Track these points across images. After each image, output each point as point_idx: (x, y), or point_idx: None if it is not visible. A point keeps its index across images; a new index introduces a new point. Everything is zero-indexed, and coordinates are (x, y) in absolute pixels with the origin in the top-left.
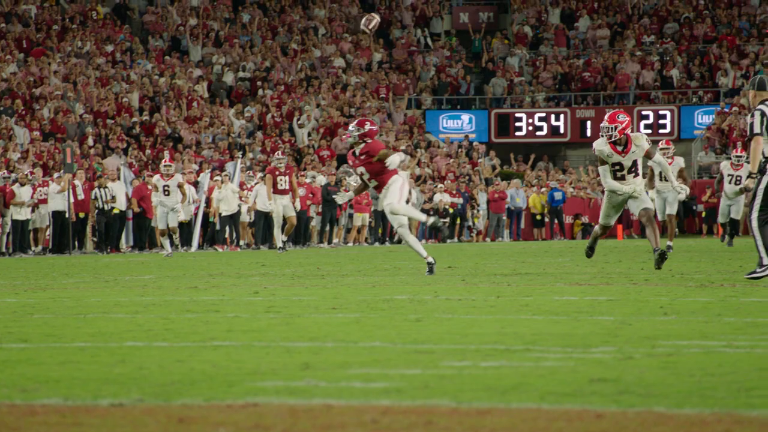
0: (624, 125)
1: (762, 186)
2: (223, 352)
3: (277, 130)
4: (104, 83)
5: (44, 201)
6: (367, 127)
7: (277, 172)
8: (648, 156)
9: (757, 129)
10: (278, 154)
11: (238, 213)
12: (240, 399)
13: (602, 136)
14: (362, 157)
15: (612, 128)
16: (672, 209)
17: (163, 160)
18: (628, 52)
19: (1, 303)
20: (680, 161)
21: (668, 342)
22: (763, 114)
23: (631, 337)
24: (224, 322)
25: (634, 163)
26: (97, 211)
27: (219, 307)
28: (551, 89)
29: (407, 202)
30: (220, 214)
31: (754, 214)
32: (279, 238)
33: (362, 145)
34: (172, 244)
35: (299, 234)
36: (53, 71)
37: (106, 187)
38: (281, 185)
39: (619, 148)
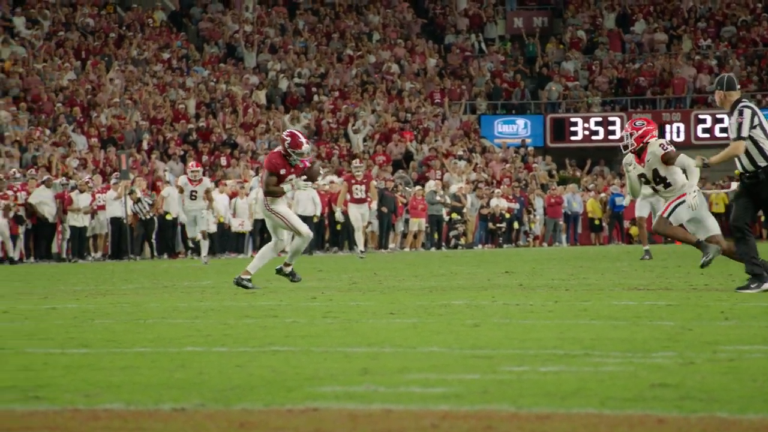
0: (641, 132)
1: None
2: (282, 357)
3: (333, 136)
4: (161, 90)
5: (102, 208)
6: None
7: (353, 181)
8: (666, 162)
9: (744, 132)
10: (356, 163)
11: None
12: (300, 404)
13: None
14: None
15: (627, 136)
16: (643, 212)
17: (190, 165)
18: (685, 55)
19: (62, 308)
20: None
21: (729, 347)
22: (754, 113)
23: (691, 342)
24: (282, 328)
25: (656, 172)
26: (138, 222)
27: (277, 312)
28: (607, 93)
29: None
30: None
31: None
32: (360, 242)
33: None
34: (197, 251)
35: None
36: (110, 79)
37: (139, 200)
38: (357, 194)
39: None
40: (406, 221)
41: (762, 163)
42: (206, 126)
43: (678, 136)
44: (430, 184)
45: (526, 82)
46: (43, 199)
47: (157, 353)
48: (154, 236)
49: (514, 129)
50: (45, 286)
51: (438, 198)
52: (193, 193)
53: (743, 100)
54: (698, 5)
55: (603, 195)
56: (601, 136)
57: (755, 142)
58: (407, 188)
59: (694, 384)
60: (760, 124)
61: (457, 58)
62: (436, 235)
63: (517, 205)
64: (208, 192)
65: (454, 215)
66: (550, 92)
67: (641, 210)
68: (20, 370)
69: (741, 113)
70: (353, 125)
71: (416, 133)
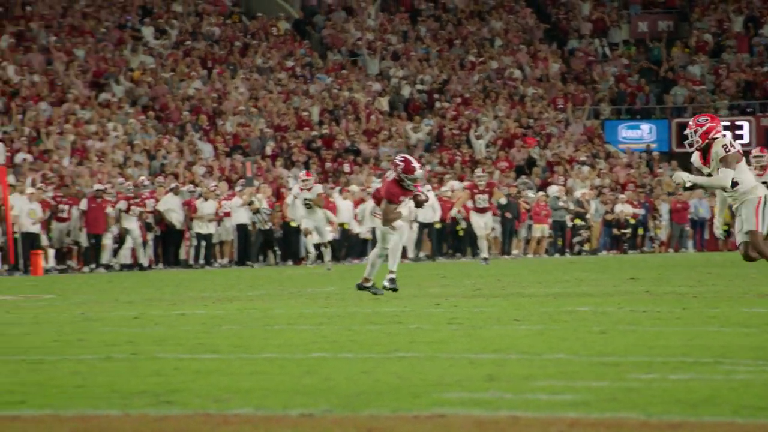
0: (706, 128)
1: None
2: (407, 364)
3: (455, 142)
4: (285, 97)
5: (228, 214)
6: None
7: (475, 190)
8: (726, 166)
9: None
10: (479, 172)
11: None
12: (426, 410)
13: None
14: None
15: (691, 133)
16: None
17: (301, 174)
18: None
19: (191, 314)
20: None
21: None
22: None
23: None
24: (407, 334)
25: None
26: (257, 231)
27: (401, 318)
28: (735, 97)
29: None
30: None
31: None
32: (484, 250)
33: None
34: (320, 257)
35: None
36: (236, 87)
37: (258, 211)
38: (480, 203)
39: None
40: (529, 227)
41: None
42: (329, 133)
43: None
44: (553, 190)
45: (650, 86)
46: (171, 207)
47: (284, 359)
48: (276, 244)
49: (639, 134)
50: (174, 293)
51: (561, 204)
52: (307, 201)
53: None
54: None
55: None
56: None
57: None
58: (530, 194)
59: None
60: None
61: (581, 63)
62: (560, 241)
63: (642, 211)
64: (318, 197)
65: (578, 221)
66: (676, 96)
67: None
68: (152, 375)
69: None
70: (475, 131)
71: (539, 138)
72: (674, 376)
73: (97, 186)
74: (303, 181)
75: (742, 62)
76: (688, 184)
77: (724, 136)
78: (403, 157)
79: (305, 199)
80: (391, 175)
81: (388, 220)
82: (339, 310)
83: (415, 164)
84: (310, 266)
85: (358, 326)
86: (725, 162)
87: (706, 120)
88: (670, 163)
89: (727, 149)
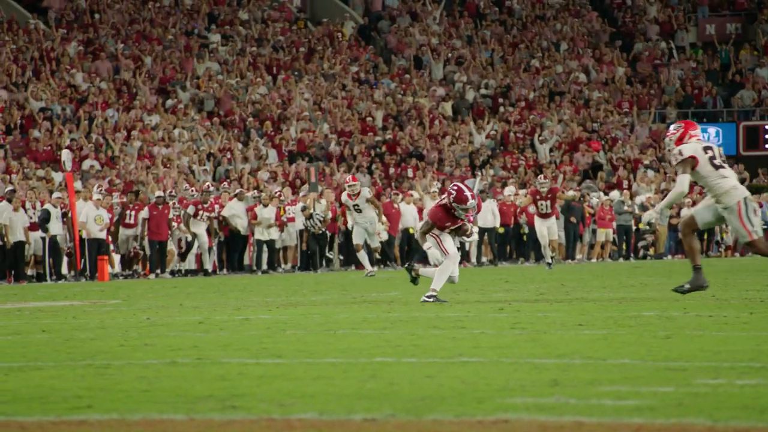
0: (678, 135)
1: None
2: (471, 369)
3: (519, 146)
4: (349, 103)
5: (292, 220)
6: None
7: (538, 196)
8: (682, 171)
9: None
10: (541, 178)
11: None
12: (490, 415)
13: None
14: None
15: (668, 142)
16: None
17: (347, 179)
18: None
19: (255, 319)
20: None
21: None
22: None
23: None
24: (471, 339)
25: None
26: (310, 237)
27: (465, 323)
28: None
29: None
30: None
31: None
32: (547, 255)
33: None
34: (372, 262)
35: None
36: (300, 92)
37: (311, 216)
38: (543, 209)
39: None
40: (594, 231)
41: None
42: (393, 138)
43: None
44: (615, 194)
45: (717, 89)
46: (236, 212)
47: (348, 364)
48: (336, 248)
49: (705, 138)
50: (238, 298)
51: (626, 208)
52: (356, 207)
53: None
54: None
55: None
56: None
57: None
58: (594, 198)
59: None
60: None
61: (647, 66)
62: (624, 246)
63: None
64: (371, 201)
65: (642, 225)
66: (743, 99)
67: None
68: (217, 380)
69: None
70: (539, 135)
71: (604, 142)
72: (741, 382)
73: (158, 193)
74: (350, 186)
75: None
76: (654, 218)
77: (699, 140)
78: (456, 185)
79: (355, 206)
80: (443, 200)
81: (423, 234)
82: (402, 314)
83: (468, 194)
84: (369, 275)
85: (422, 331)
86: (681, 168)
87: (679, 127)
88: (738, 165)
89: (677, 158)
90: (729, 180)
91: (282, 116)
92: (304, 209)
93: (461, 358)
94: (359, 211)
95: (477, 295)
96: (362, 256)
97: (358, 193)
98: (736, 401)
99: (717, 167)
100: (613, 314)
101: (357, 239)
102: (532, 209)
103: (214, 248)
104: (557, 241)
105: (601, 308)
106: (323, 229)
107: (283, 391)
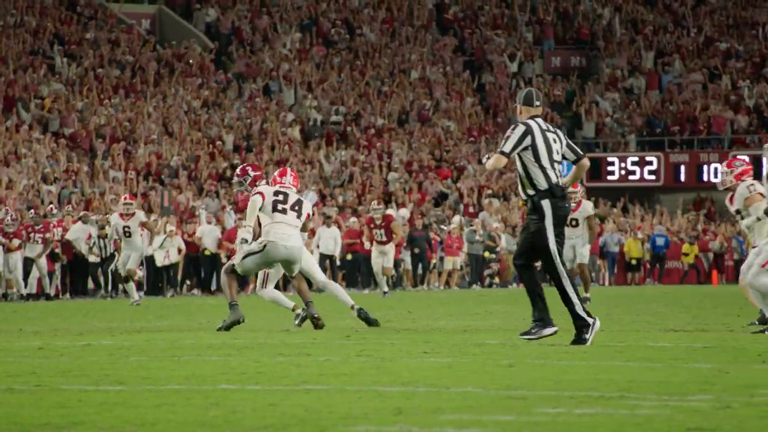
0: (740, 170)
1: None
2: (315, 396)
3: (368, 173)
4: (199, 126)
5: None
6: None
7: (372, 225)
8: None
9: (506, 148)
10: (374, 204)
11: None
12: None
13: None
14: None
15: (726, 173)
16: (583, 258)
17: (124, 197)
18: (723, 96)
19: (97, 345)
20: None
21: (767, 390)
22: (528, 133)
23: (728, 385)
24: (316, 366)
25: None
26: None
27: (310, 350)
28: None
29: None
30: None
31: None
32: (382, 284)
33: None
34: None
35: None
36: (149, 114)
37: (106, 236)
38: (378, 237)
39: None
40: (441, 259)
41: (530, 191)
42: (242, 162)
43: (716, 177)
44: (456, 219)
45: (563, 120)
46: (80, 236)
47: (191, 390)
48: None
49: None
50: (81, 322)
51: (477, 237)
52: (127, 230)
53: (536, 118)
54: (736, 47)
55: (641, 235)
56: (637, 176)
57: (524, 166)
58: (442, 226)
59: (731, 428)
60: (533, 147)
61: (495, 96)
62: (472, 274)
63: None
64: (145, 224)
65: (487, 254)
66: (585, 131)
67: None
68: (55, 407)
69: (514, 128)
70: (390, 162)
71: (453, 170)
72: (580, 411)
73: None
74: (124, 205)
75: (651, 99)
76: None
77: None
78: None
79: (124, 227)
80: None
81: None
82: (248, 341)
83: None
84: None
85: (267, 358)
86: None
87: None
88: None
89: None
90: None
91: (130, 139)
92: (102, 228)
93: (305, 386)
94: (128, 235)
95: (324, 321)
96: (130, 286)
97: (134, 214)
98: (574, 430)
99: None
100: (457, 342)
101: (126, 261)
102: (366, 238)
103: (57, 272)
104: (391, 269)
105: (446, 336)
106: (111, 250)
107: (124, 419)
